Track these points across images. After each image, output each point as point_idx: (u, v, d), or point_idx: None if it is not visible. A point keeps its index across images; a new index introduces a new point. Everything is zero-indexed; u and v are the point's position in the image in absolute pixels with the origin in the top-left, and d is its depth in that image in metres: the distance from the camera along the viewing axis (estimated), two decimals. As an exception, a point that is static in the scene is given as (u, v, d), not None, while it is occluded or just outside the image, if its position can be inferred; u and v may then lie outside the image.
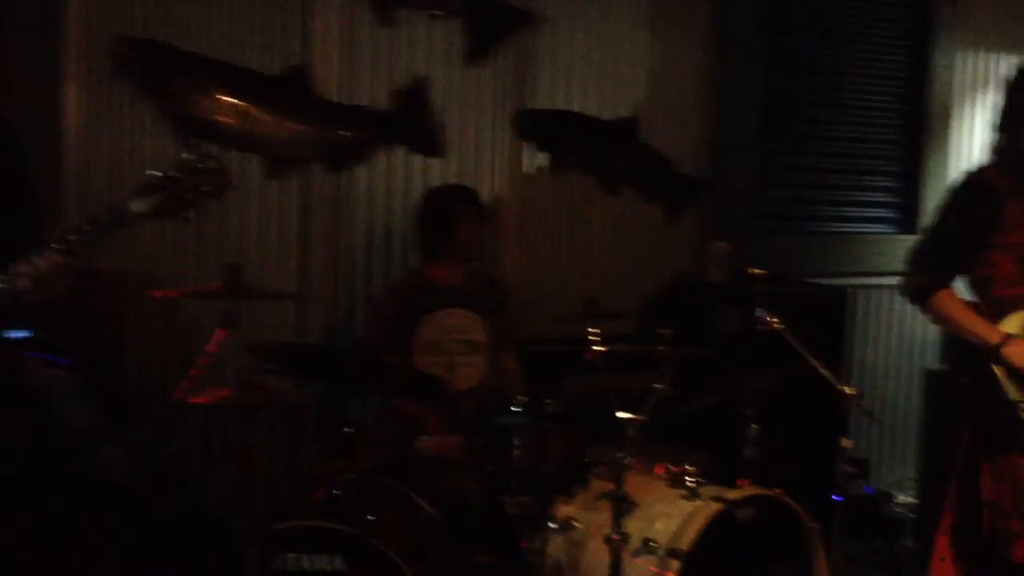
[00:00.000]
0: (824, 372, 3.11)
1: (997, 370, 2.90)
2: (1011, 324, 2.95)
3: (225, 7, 3.90)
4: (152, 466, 3.39)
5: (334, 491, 2.81)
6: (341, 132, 4.13)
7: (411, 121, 4.24)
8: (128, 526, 3.09)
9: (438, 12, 4.24)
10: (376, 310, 3.88)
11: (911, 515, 4.75)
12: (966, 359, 3.04)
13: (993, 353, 2.90)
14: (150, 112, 3.83)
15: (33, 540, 2.40)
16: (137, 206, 2.09)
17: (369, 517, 2.76)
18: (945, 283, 3.07)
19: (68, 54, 3.70)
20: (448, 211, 3.81)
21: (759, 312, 3.24)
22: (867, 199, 5.24)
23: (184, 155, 2.16)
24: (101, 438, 3.12)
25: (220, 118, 3.89)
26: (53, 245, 2.10)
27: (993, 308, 3.01)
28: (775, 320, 3.21)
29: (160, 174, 2.11)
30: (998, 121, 3.12)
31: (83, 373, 2.98)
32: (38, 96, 3.65)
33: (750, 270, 3.55)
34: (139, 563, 3.07)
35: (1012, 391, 2.89)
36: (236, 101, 3.90)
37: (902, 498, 5.00)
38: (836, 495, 3.12)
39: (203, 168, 2.13)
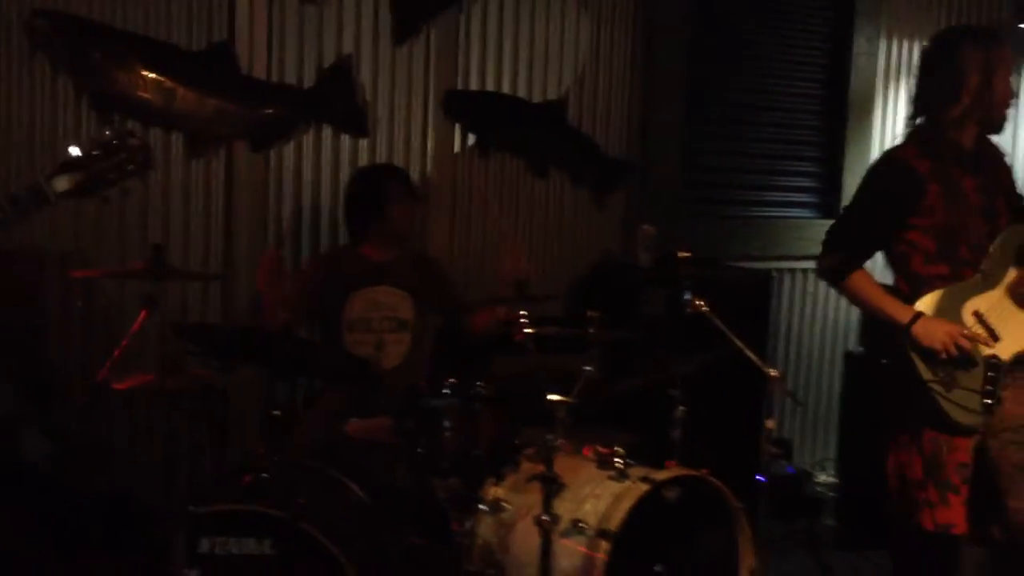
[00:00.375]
0: (749, 354, 3.15)
1: (911, 349, 2.98)
2: (925, 303, 3.02)
3: (148, -19, 3.81)
4: (74, 450, 3.31)
5: (262, 474, 2.78)
6: (265, 110, 4.06)
7: (337, 99, 4.19)
8: (51, 511, 3.01)
9: (346, -10, 4.19)
10: (300, 272, 3.86)
11: (831, 494, 4.87)
12: (883, 338, 3.12)
13: (904, 333, 2.98)
14: (69, 87, 3.72)
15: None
16: (58, 184, 2.02)
17: (298, 500, 2.73)
18: (859, 264, 3.13)
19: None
20: (378, 191, 3.79)
21: (686, 295, 3.27)
22: (790, 184, 5.33)
23: (106, 132, 2.09)
24: (21, 421, 3.04)
25: (141, 94, 3.80)
26: None
27: (910, 284, 3.08)
28: (701, 303, 3.25)
29: (80, 152, 2.04)
30: (913, 102, 3.18)
31: (1, 355, 2.90)
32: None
33: (677, 253, 3.58)
34: (62, 548, 3.00)
35: (923, 370, 2.97)
36: (158, 77, 3.82)
37: (823, 478, 5.12)
38: (759, 475, 3.17)
39: (125, 146, 2.06)
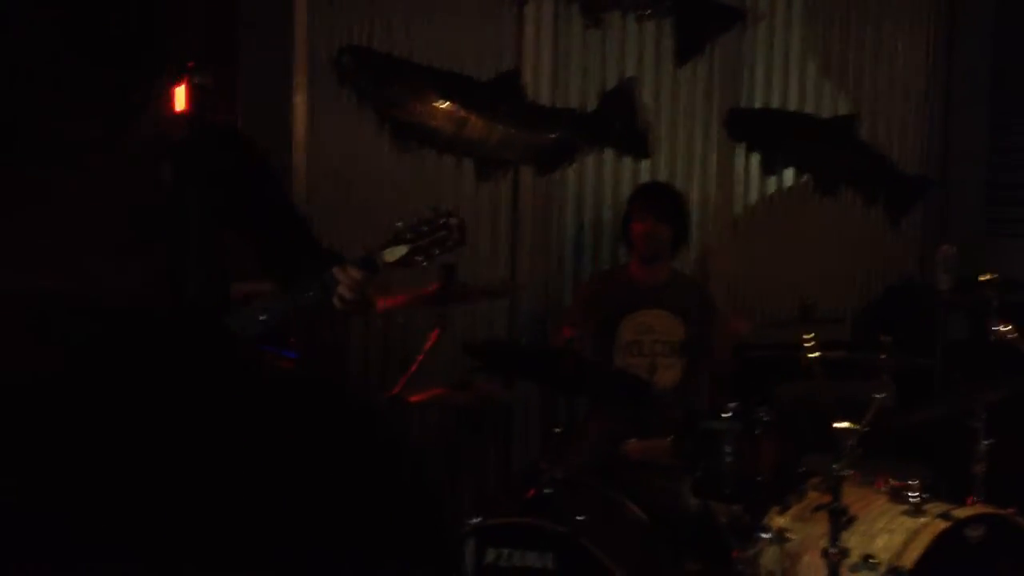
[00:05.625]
0: (1062, 384, 2.89)
1: None
2: None
3: (443, 17, 4.02)
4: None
5: (545, 490, 2.84)
6: (550, 135, 4.17)
7: (619, 123, 4.24)
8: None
9: (648, 13, 4.21)
10: (579, 292, 3.92)
11: None
12: None
13: None
14: (372, 118, 3.99)
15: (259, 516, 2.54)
16: (388, 256, 2.24)
17: (579, 517, 2.77)
18: None
19: (296, 65, 3.90)
20: (629, 207, 3.80)
21: (991, 320, 3.05)
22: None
23: (431, 211, 2.28)
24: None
25: (435, 123, 4.01)
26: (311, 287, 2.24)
27: None
28: (1008, 328, 3.01)
29: (406, 226, 2.24)
30: None
31: (310, 368, 3.14)
32: (268, 104, 3.87)
33: (981, 275, 3.35)
34: (359, 550, 3.19)
35: None
36: (450, 106, 4.02)
37: None
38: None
39: (446, 224, 2.26)
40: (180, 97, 2.21)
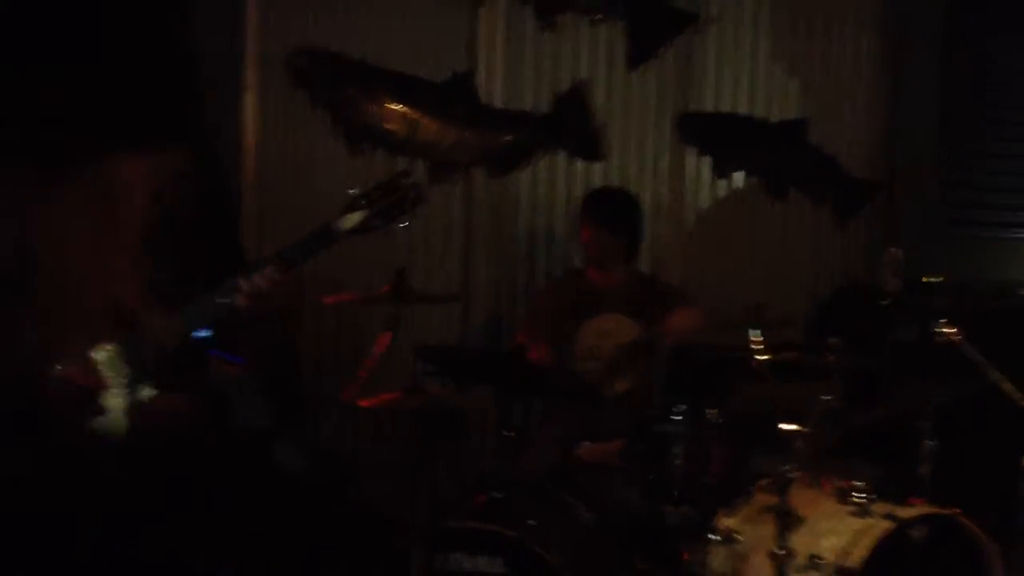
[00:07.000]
0: (1005, 386, 2.93)
1: None
2: None
3: (397, 18, 4.01)
4: (322, 463, 3.51)
5: (496, 494, 2.84)
6: (503, 137, 4.18)
7: (572, 125, 4.25)
8: (300, 520, 3.20)
9: (600, 16, 4.23)
10: (535, 300, 3.91)
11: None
12: None
13: None
14: (324, 119, 3.96)
15: (209, 530, 2.52)
16: (345, 223, 2.20)
17: (530, 522, 2.77)
18: None
19: (247, 65, 3.87)
20: (580, 212, 3.80)
21: (935, 322, 3.09)
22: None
23: (386, 174, 2.27)
24: (275, 435, 3.25)
25: (388, 125, 4.00)
26: (269, 262, 2.20)
27: None
28: (953, 331, 3.05)
29: (362, 192, 2.21)
30: None
31: (260, 373, 3.11)
32: (219, 104, 3.84)
33: (927, 278, 3.39)
34: (308, 555, 3.18)
35: None
36: (403, 108, 4.01)
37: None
38: (1015, 517, 2.95)
39: (400, 184, 2.23)
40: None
